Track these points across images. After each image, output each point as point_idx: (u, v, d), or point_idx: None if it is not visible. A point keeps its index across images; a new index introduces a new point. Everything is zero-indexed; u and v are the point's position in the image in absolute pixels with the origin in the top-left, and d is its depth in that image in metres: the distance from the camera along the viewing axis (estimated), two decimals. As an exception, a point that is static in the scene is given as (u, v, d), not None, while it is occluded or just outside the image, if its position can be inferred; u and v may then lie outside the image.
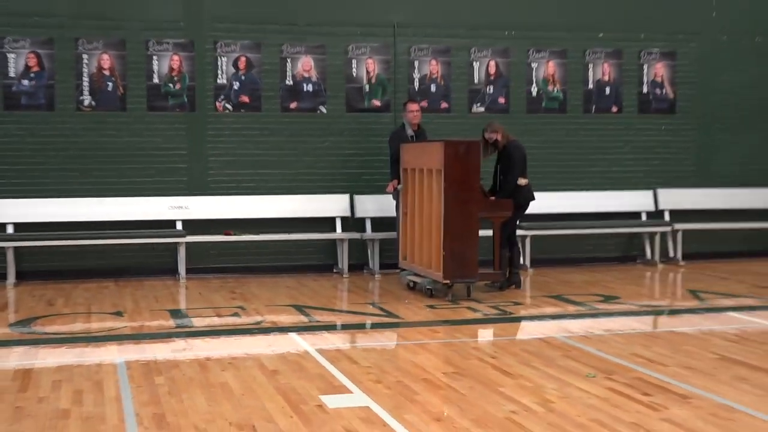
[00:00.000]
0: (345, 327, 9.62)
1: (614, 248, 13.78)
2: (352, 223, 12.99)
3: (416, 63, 13.27)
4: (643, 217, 13.77)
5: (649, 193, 13.78)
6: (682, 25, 14.07)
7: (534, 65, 13.63)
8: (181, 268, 12.15)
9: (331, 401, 6.08)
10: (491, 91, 13.41)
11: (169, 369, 7.26)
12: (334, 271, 12.83)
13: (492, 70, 13.41)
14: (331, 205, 12.92)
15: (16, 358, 7.92)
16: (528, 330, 9.42)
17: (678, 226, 13.52)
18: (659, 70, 13.99)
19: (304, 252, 13.00)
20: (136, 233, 12.22)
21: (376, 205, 12.93)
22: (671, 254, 13.64)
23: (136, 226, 12.30)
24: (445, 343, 8.53)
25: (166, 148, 12.63)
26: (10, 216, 11.88)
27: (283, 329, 9.17)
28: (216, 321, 9.57)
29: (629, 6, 13.94)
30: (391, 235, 12.49)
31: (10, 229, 11.82)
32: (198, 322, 9.44)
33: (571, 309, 10.21)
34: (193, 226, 12.36)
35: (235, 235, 12.39)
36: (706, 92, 14.07)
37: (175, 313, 9.93)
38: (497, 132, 11.25)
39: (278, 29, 12.87)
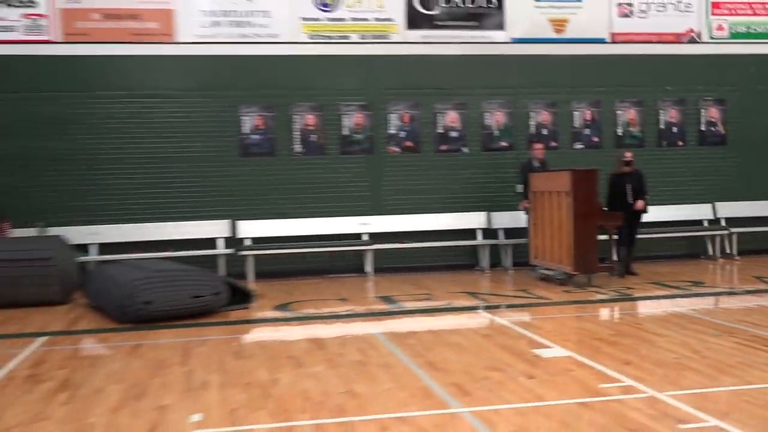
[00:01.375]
0: (512, 306, 9.53)
1: (683, 248, 13.55)
2: (489, 232, 13.02)
3: (531, 114, 13.34)
4: (705, 224, 13.54)
5: (709, 206, 13.62)
6: (729, 79, 13.91)
7: (619, 112, 13.61)
8: (369, 268, 12.55)
9: (542, 353, 6.54)
10: (588, 132, 13.45)
11: (411, 336, 7.63)
12: (475, 268, 12.86)
13: (587, 117, 13.48)
14: (473, 219, 13.05)
15: (300, 330, 8.45)
16: (649, 306, 9.45)
17: (733, 229, 13.37)
18: (713, 113, 13.88)
19: (453, 255, 13.02)
20: (336, 243, 12.53)
21: (506, 219, 13.00)
22: (728, 251, 13.45)
23: (334, 238, 12.58)
24: (592, 315, 8.87)
25: (354, 180, 12.89)
26: (248, 233, 12.35)
27: (471, 308, 9.41)
28: (419, 304, 9.72)
29: (689, 66, 13.78)
30: (519, 240, 12.56)
31: (248, 242, 12.23)
32: (407, 305, 9.60)
33: (674, 291, 10.17)
34: (375, 237, 12.64)
35: (405, 243, 12.68)
36: (748, 129, 13.88)
37: (386, 299, 10.07)
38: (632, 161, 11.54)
39: (431, 92, 13.06)
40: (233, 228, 12.37)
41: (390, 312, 9.24)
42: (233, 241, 12.29)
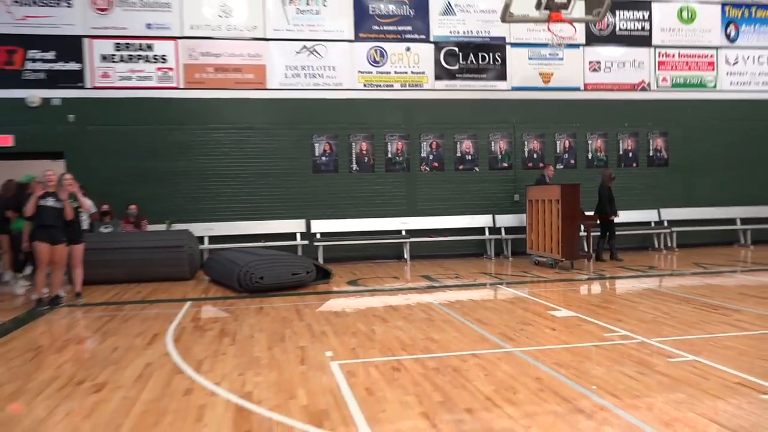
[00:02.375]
0: (522, 282, 9.50)
1: (636, 241, 13.31)
2: (493, 230, 12.96)
3: (525, 142, 13.33)
4: (652, 224, 13.56)
5: (655, 211, 13.63)
6: (671, 117, 13.87)
7: (589, 142, 13.58)
8: (406, 256, 12.50)
9: (555, 313, 6.88)
10: (566, 156, 13.49)
11: (456, 302, 7.92)
12: (484, 256, 12.85)
13: (566, 145, 13.48)
14: (482, 220, 12.99)
15: (373, 298, 8.58)
16: (622, 282, 9.39)
17: (673, 228, 13.41)
18: (659, 143, 13.88)
19: (466, 246, 12.91)
20: (382, 237, 12.51)
21: (507, 220, 12.99)
22: (669, 245, 13.44)
23: (380, 233, 12.54)
24: (581, 289, 8.92)
25: (395, 191, 12.84)
26: (318, 229, 12.36)
27: (494, 283, 9.47)
28: (452, 281, 9.76)
29: (641, 108, 13.72)
30: (517, 236, 12.64)
31: (318, 236, 12.27)
32: (444, 281, 9.69)
33: (636, 272, 10.22)
34: (410, 232, 12.64)
35: (433, 237, 12.70)
36: (685, 155, 13.87)
37: (427, 278, 10.13)
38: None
39: (452, 126, 12.98)
40: (308, 225, 12.48)
41: (434, 286, 9.32)
42: (307, 235, 12.40)
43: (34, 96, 11.55)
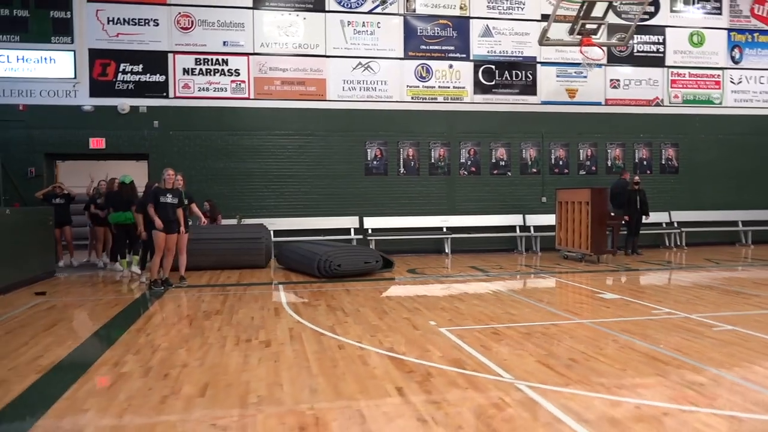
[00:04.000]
0: (560, 272, 10.15)
1: (650, 240, 13.85)
2: (524, 228, 13.83)
3: (552, 151, 14.25)
4: (664, 225, 14.35)
5: (666, 213, 14.45)
6: (681, 130, 14.76)
7: (609, 151, 14.47)
8: (447, 250, 13.33)
9: (603, 296, 7.77)
10: (588, 163, 14.36)
11: (514, 288, 8.93)
12: (515, 251, 13.67)
13: (589, 153, 14.36)
14: (514, 219, 13.88)
15: (439, 285, 9.33)
16: (646, 274, 10.15)
17: (683, 229, 14.27)
18: (670, 152, 14.80)
19: (498, 243, 13.79)
20: (426, 232, 13.34)
21: (535, 219, 13.86)
22: (679, 243, 14.28)
23: (424, 230, 13.38)
24: (615, 278, 9.57)
25: (437, 192, 13.66)
26: (370, 225, 13.23)
27: (537, 273, 10.26)
28: (499, 271, 10.55)
29: (655, 121, 14.56)
30: (545, 233, 13.51)
31: (370, 231, 13.14)
32: (492, 272, 10.45)
33: (656, 266, 11.07)
34: (450, 230, 13.46)
35: (471, 232, 13.57)
36: (694, 163, 14.75)
37: (476, 268, 10.89)
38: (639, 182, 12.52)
39: (488, 135, 13.86)
40: (360, 221, 13.34)
41: (488, 275, 10.11)
42: (360, 230, 13.23)
43: (124, 104, 12.52)
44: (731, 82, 15.12)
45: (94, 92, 12.38)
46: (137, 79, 12.57)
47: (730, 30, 15.02)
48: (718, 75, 15.05)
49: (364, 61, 13.34)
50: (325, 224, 13.18)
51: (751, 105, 15.26)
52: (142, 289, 8.99)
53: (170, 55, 12.67)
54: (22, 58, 12.11)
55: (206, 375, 4.59)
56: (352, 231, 13.26)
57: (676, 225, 14.55)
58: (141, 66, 12.56)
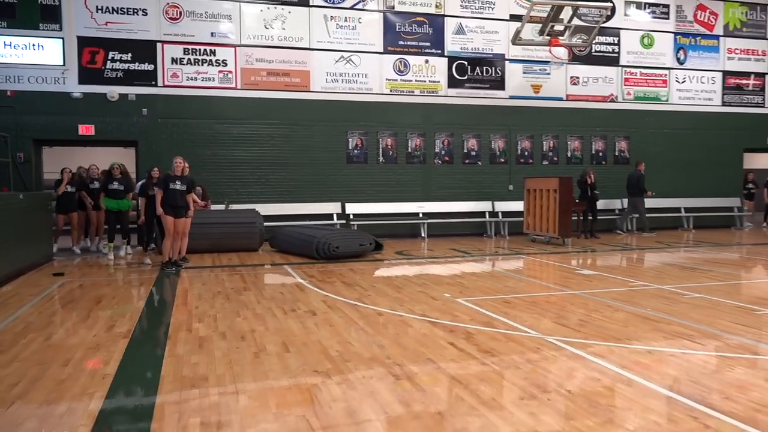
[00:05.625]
0: (534, 253, 11.03)
1: (603, 224, 15.52)
2: (492, 214, 14.81)
3: (518, 142, 15.27)
4: (616, 211, 16.20)
5: (619, 200, 15.83)
6: (633, 124, 16.03)
7: (569, 143, 15.60)
8: (424, 234, 14.14)
9: (581, 272, 9.00)
10: (551, 154, 15.45)
11: (503, 266, 9.71)
12: (485, 236, 14.60)
13: (551, 145, 15.39)
14: (484, 205, 14.83)
15: (439, 265, 10.12)
16: (609, 254, 11.22)
17: (633, 215, 15.82)
18: (623, 145, 16.10)
19: (469, 227, 14.68)
20: (403, 218, 14.16)
21: (503, 206, 14.85)
22: (629, 228, 16.18)
23: (401, 215, 14.20)
24: (583, 258, 10.65)
25: (414, 180, 14.49)
26: (351, 210, 13.90)
27: (515, 254, 11.10)
28: (480, 252, 11.41)
29: (610, 116, 15.80)
30: (512, 219, 14.51)
31: (351, 216, 13.76)
32: (475, 253, 11.35)
33: (617, 246, 12.18)
34: (426, 215, 14.29)
35: (445, 218, 14.49)
36: (643, 154, 15.83)
37: (457, 250, 11.74)
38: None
39: (461, 127, 14.74)
40: (342, 207, 14.02)
41: (470, 256, 10.93)
42: (342, 216, 13.94)
43: (113, 91, 12.84)
44: (677, 81, 16.56)
45: (83, 79, 12.64)
46: (126, 68, 12.88)
47: (676, 33, 16.46)
48: (666, 75, 16.48)
49: (346, 54, 14.01)
50: (308, 210, 13.80)
51: (694, 102, 16.79)
52: (157, 269, 9.47)
53: (159, 45, 13.01)
54: (10, 44, 12.25)
55: (278, 337, 5.36)
56: (335, 216, 13.92)
57: (627, 211, 15.74)
58: (130, 54, 12.88)
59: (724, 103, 17.13)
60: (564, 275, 8.74)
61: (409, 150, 14.65)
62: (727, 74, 17.11)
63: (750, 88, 17.28)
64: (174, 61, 13.07)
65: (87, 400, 3.74)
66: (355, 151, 14.28)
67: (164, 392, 3.87)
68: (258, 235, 11.93)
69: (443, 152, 14.89)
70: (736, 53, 17.11)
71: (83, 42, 12.63)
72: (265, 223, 12.65)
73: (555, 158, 15.69)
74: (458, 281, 8.26)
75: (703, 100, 16.78)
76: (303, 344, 5.08)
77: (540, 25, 13.31)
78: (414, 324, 5.77)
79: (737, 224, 16.76)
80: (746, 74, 17.29)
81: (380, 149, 14.45)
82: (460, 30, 14.75)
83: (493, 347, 4.90)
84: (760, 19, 17.39)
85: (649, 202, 15.64)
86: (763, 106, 17.54)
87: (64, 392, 3.89)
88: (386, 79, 14.34)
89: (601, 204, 14.96)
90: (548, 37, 13.20)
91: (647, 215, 15.01)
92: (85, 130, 12.69)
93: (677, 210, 16.27)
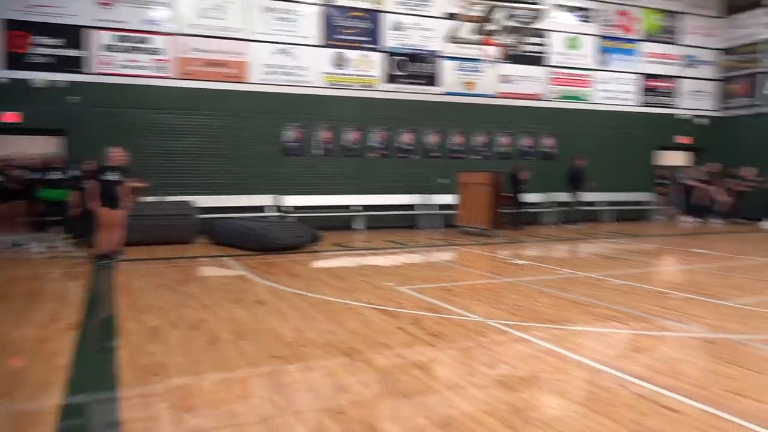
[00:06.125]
0: (462, 244, 11.39)
1: (530, 216, 16.29)
2: (426, 206, 15.08)
3: (451, 138, 15.59)
4: (545, 205, 17.31)
5: (546, 194, 16.42)
6: (558, 122, 16.73)
7: (499, 139, 16.12)
8: (360, 226, 14.28)
9: (516, 261, 9.62)
10: (482, 149, 15.93)
11: (441, 257, 10.10)
12: (418, 228, 14.69)
13: (484, 140, 15.90)
14: (417, 198, 15.07)
15: (378, 256, 10.42)
16: (535, 244, 11.83)
17: (560, 208, 16.85)
18: (549, 141, 16.78)
19: (404, 220, 14.82)
20: (340, 210, 14.24)
21: (438, 199, 15.09)
22: (555, 221, 17.14)
23: (337, 208, 14.22)
24: (516, 248, 11.07)
25: (350, 172, 14.60)
26: (288, 202, 13.83)
27: (450, 245, 11.45)
28: (417, 244, 11.75)
29: (538, 114, 16.42)
30: (446, 212, 14.75)
31: (290, 209, 13.73)
32: (411, 245, 11.65)
33: (545, 239, 12.82)
34: (362, 207, 14.38)
35: (380, 210, 14.67)
36: (568, 150, 16.54)
37: (394, 242, 11.96)
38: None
39: (396, 122, 14.97)
40: (281, 200, 13.93)
41: (407, 247, 11.22)
42: (280, 208, 13.83)
43: (39, 77, 12.37)
44: (600, 82, 17.47)
45: (7, 64, 12.10)
46: (54, 53, 12.43)
47: (599, 36, 17.37)
48: (589, 75, 17.36)
49: (284, 47, 14.01)
50: (245, 202, 13.69)
51: (615, 102, 17.79)
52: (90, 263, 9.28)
53: (89, 30, 12.63)
54: (-74, 25, 11.57)
55: (229, 326, 5.47)
56: (272, 209, 13.88)
57: (555, 204, 16.60)
58: (58, 39, 12.43)
59: (640, 104, 18.09)
60: (498, 264, 9.19)
61: (347, 143, 14.83)
62: (644, 76, 18.03)
63: (664, 90, 18.26)
64: (106, 47, 12.73)
65: (45, 394, 3.74)
66: (293, 144, 14.31)
67: (126, 381, 3.94)
68: (192, 228, 11.80)
69: (380, 146, 15.15)
70: (653, 57, 18.08)
71: (9, 25, 12.09)
72: (201, 216, 12.53)
73: (487, 153, 16.17)
74: (398, 271, 8.54)
75: (623, 100, 17.80)
76: (256, 332, 5.22)
77: (474, 24, 13.75)
78: (362, 311, 6.00)
79: (651, 217, 17.79)
80: (661, 77, 18.25)
81: (318, 142, 14.53)
82: (397, 26, 15.05)
83: (440, 331, 5.20)
84: (675, 26, 18.44)
85: (571, 197, 16.38)
86: (673, 108, 18.61)
87: (19, 386, 3.87)
88: (325, 72, 14.46)
89: (527, 197, 15.56)
90: (482, 37, 13.65)
91: (581, 208, 15.83)
92: (9, 117, 12.15)
93: (600, 203, 17.15)
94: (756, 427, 3.23)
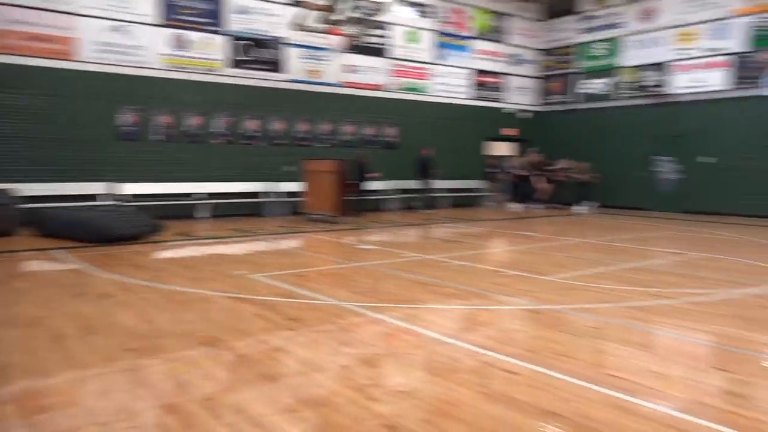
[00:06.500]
0: (309, 231, 11.60)
1: (397, 203, 17.21)
2: (271, 193, 15.05)
3: (296, 125, 15.83)
4: (389, 191, 17.95)
5: (392, 182, 17.65)
6: (399, 112, 17.40)
7: (345, 127, 16.44)
8: (205, 215, 13.94)
9: (360, 246, 10.00)
10: (327, 137, 16.20)
11: (290, 244, 10.21)
12: (264, 215, 14.68)
13: (328, 128, 16.13)
14: (261, 186, 14.94)
15: (227, 245, 10.18)
16: (374, 230, 12.31)
17: (405, 195, 17.90)
18: (391, 131, 17.41)
19: (249, 207, 14.69)
20: (183, 198, 13.76)
21: (283, 186, 15.07)
22: (398, 207, 17.84)
23: (180, 196, 13.72)
24: (360, 234, 11.42)
25: (192, 159, 14.09)
26: (127, 190, 13.07)
27: (298, 232, 11.57)
28: (264, 232, 11.63)
29: (381, 104, 16.95)
30: (291, 199, 14.89)
31: (131, 197, 13.02)
32: (260, 232, 11.52)
33: (386, 224, 13.49)
34: (206, 195, 14.10)
35: (224, 198, 14.73)
36: (409, 139, 17.41)
37: (241, 230, 11.75)
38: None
39: (242, 107, 14.61)
40: (117, 187, 13.13)
41: (255, 235, 11.10)
42: (117, 196, 13.04)
43: None
44: (437, 75, 18.49)
45: None
46: None
47: (436, 32, 18.37)
48: (427, 68, 18.29)
49: (117, 24, 13.18)
50: (76, 190, 12.74)
51: (450, 95, 18.93)
52: None
53: None
54: None
55: (73, 321, 5.18)
56: (106, 197, 13.07)
57: (390, 191, 17.32)
58: None
59: (472, 98, 19.47)
60: (346, 250, 9.51)
61: (189, 129, 14.30)
62: (475, 72, 19.42)
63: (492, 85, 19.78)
64: None
65: None
66: (130, 129, 13.53)
67: (-36, 384, 3.62)
68: (13, 218, 10.80)
69: (224, 132, 14.79)
70: (484, 54, 19.52)
71: None
72: (25, 205, 11.51)
73: (333, 141, 16.47)
74: (249, 259, 8.54)
75: (457, 93, 19.00)
76: (105, 326, 5.02)
77: (320, 13, 13.89)
78: (217, 300, 5.97)
79: (482, 203, 19.32)
80: (491, 73, 19.74)
81: (157, 127, 13.87)
82: (243, 10, 14.76)
83: (298, 316, 5.34)
84: (503, 26, 20.06)
85: (409, 184, 17.35)
86: (500, 102, 20.32)
87: None
88: (163, 53, 13.80)
89: (371, 185, 16.15)
90: (327, 26, 13.84)
91: (429, 195, 16.75)
92: None
93: (438, 191, 18.21)
94: (579, 382, 3.78)
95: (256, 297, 6.06)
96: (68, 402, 3.43)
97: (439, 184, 18.17)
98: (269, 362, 4.10)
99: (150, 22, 13.62)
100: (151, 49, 13.68)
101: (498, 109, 20.11)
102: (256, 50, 15.08)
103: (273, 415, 3.25)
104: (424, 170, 16.68)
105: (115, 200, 13.12)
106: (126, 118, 13.47)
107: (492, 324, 5.18)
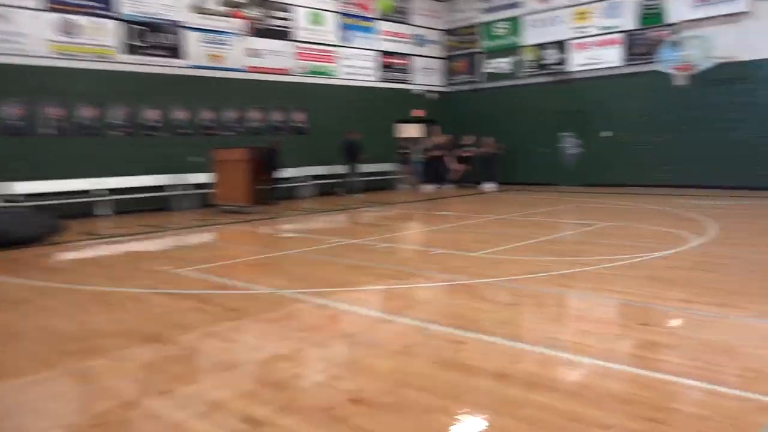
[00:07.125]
0: (225, 223, 11.47)
1: (316, 189, 17.14)
2: (178, 186, 14.63)
3: (201, 113, 15.37)
4: (289, 178, 17.99)
5: (304, 168, 17.81)
6: (307, 96, 17.54)
7: (251, 114, 16.31)
8: (107, 211, 13.36)
9: (284, 234, 10.15)
10: (235, 125, 16.37)
11: (209, 236, 10.17)
12: (173, 209, 14.20)
13: (234, 116, 16.04)
14: (167, 179, 14.49)
15: (142, 242, 9.91)
16: (292, 217, 12.37)
17: (315, 182, 18.02)
18: (299, 116, 17.51)
19: (155, 202, 14.10)
20: (80, 196, 13.14)
21: (190, 178, 14.75)
22: (313, 194, 18.10)
23: (77, 194, 13.08)
24: (277, 222, 11.49)
25: (88, 153, 13.43)
26: (17, 189, 12.37)
27: (216, 224, 11.42)
28: (174, 226, 11.41)
29: (288, 88, 16.84)
30: (199, 191, 14.58)
31: (22, 197, 12.37)
32: (173, 227, 11.27)
33: (304, 212, 13.56)
34: (106, 191, 13.56)
35: (127, 193, 14.47)
36: (319, 124, 17.66)
37: (150, 225, 11.48)
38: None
39: (140, 96, 14.11)
40: (2, 187, 12.31)
41: (170, 230, 10.93)
42: (6, 196, 12.27)
43: None
44: (343, 58, 18.62)
45: None
46: None
47: (340, 13, 18.50)
48: (333, 51, 18.39)
49: (-5, 8, 12.37)
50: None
51: (358, 78, 19.13)
52: None
53: None
54: None
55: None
56: (-4, 198, 12.32)
57: (302, 178, 17.37)
58: None
59: (380, 80, 19.76)
60: (268, 239, 9.60)
61: (83, 121, 13.66)
62: (381, 53, 19.74)
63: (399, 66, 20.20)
64: None
65: None
66: (15, 122, 12.74)
67: None
68: None
69: (122, 124, 14.24)
70: (389, 35, 19.87)
71: None
72: None
73: (240, 129, 16.27)
74: (168, 254, 8.48)
75: (365, 76, 19.25)
76: (32, 331, 4.91)
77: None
78: (148, 298, 5.94)
79: (396, 186, 19.72)
80: (397, 54, 20.12)
81: (47, 120, 13.15)
82: (134, -8, 14.19)
83: (238, 306, 5.45)
84: (406, 7, 20.49)
85: (324, 169, 17.57)
86: (408, 83, 20.73)
87: None
88: (50, 40, 13.08)
89: (286, 172, 16.14)
90: (229, 9, 13.66)
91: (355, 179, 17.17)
92: None
93: (347, 176, 18.39)
94: (523, 345, 4.17)
95: (188, 291, 6.08)
96: (19, 409, 3.39)
97: (351, 168, 18.31)
98: (222, 352, 4.21)
99: (32, 6, 12.86)
100: (35, 36, 12.92)
101: (406, 91, 20.56)
102: (153, 35, 14.62)
103: (238, 399, 3.38)
104: (350, 154, 16.88)
105: (6, 201, 12.31)
106: (10, 111, 12.67)
107: (432, 300, 5.51)
